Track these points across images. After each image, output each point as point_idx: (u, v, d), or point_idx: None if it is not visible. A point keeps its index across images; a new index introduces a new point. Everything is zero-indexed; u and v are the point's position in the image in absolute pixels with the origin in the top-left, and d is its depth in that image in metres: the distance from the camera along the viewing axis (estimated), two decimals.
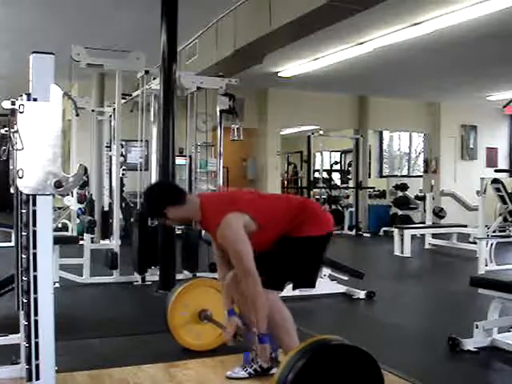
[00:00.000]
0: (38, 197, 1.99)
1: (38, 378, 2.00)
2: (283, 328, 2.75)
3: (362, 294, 5.12)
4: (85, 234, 5.99)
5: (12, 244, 4.82)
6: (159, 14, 5.26)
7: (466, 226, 8.99)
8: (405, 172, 15.37)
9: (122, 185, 8.06)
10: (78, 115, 7.24)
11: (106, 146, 8.75)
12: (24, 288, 2.04)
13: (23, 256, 2.06)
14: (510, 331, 3.66)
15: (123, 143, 8.01)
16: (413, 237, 8.48)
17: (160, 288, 5.22)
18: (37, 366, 2.00)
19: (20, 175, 1.97)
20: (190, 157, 7.64)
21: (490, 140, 13.42)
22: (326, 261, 4.90)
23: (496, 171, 10.47)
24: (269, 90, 11.46)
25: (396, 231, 8.39)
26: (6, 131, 2.60)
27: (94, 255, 5.82)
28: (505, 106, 9.09)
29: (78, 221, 9.32)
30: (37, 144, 1.98)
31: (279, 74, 9.60)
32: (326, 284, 5.17)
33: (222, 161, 6.48)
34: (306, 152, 11.87)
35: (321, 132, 12.13)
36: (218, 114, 6.20)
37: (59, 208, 9.74)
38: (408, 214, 11.69)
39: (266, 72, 9.30)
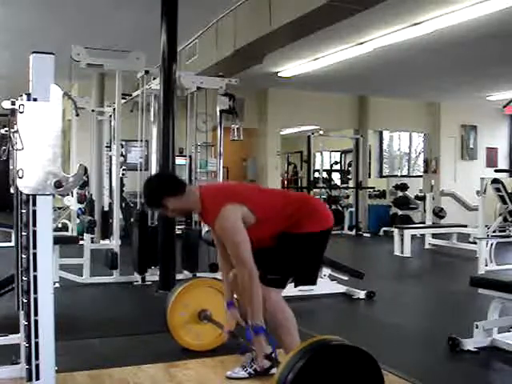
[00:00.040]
0: (38, 197, 1.99)
1: (38, 378, 2.00)
2: (285, 328, 2.75)
3: (362, 294, 5.12)
4: (85, 234, 5.99)
5: (12, 244, 4.82)
6: (159, 14, 5.26)
7: (466, 226, 8.99)
8: (405, 172, 15.36)
9: (122, 185, 8.06)
10: (78, 115, 7.24)
11: (106, 146, 8.75)
12: (24, 288, 2.04)
13: (23, 256, 2.06)
14: (510, 331, 3.66)
15: (123, 143, 8.01)
16: (413, 237, 8.48)
17: (160, 288, 5.22)
18: (37, 366, 2.00)
19: (20, 175, 1.97)
20: (190, 157, 7.63)
21: (489, 140, 13.42)
22: (326, 261, 4.91)
23: (496, 171, 10.47)
24: (269, 90, 11.46)
25: (396, 231, 8.39)
26: (6, 131, 2.59)
27: (93, 255, 5.82)
28: (505, 106, 9.09)
29: (78, 221, 9.32)
30: (37, 144, 1.98)
31: (279, 74, 9.60)
32: (326, 284, 5.17)
33: (221, 161, 6.47)
34: (306, 152, 11.87)
35: (321, 132, 12.13)
36: (218, 113, 6.20)
37: (59, 208, 9.74)
38: (408, 214, 11.69)
39: (266, 72, 9.30)
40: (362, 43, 7.49)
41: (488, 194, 8.01)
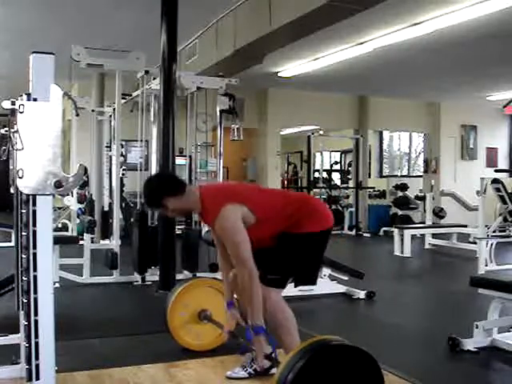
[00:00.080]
0: (38, 197, 1.99)
1: (38, 378, 2.00)
2: (285, 328, 2.75)
3: (362, 294, 5.12)
4: (85, 234, 5.99)
5: (12, 244, 4.82)
6: (159, 14, 5.26)
7: (466, 226, 8.99)
8: (405, 172, 15.37)
9: (122, 185, 8.06)
10: (78, 115, 7.24)
11: (106, 146, 8.75)
12: (24, 288, 2.04)
13: (23, 256, 2.06)
14: (510, 331, 3.66)
15: (123, 143, 8.01)
16: (413, 237, 8.48)
17: (160, 288, 5.22)
18: (37, 366, 2.00)
19: (20, 175, 1.97)
20: (190, 157, 7.63)
21: (490, 140, 13.42)
22: (326, 261, 4.91)
23: (496, 171, 10.47)
24: (269, 90, 11.46)
25: (396, 231, 8.39)
26: (6, 131, 2.59)
27: (94, 255, 5.82)
28: (505, 106, 9.09)
29: (78, 221, 9.32)
30: (37, 144, 1.98)
31: (279, 74, 9.60)
32: (326, 284, 5.17)
33: (221, 161, 6.47)
34: (306, 152, 11.87)
35: (321, 132, 12.13)
36: (218, 113, 6.20)
37: (59, 208, 9.74)
38: (408, 214, 11.69)
39: (266, 72, 9.30)
40: (362, 43, 7.49)
41: (488, 194, 8.01)
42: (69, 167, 10.44)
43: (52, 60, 2.01)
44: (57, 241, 5.24)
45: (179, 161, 7.14)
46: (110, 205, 8.12)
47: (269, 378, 2.74)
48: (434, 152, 12.96)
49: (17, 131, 1.99)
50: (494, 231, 8.38)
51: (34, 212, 1.99)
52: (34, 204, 1.99)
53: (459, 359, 3.40)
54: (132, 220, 6.21)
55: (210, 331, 3.36)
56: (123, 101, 6.89)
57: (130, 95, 7.67)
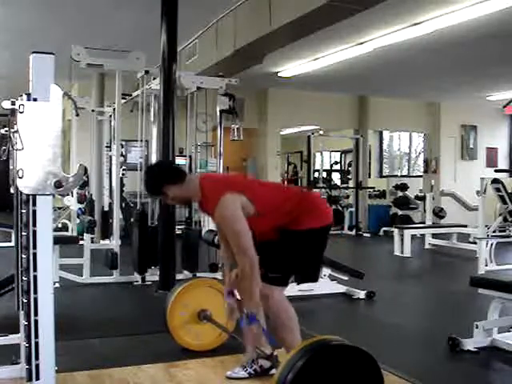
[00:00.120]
0: (38, 197, 1.99)
1: (38, 378, 2.00)
2: (288, 327, 2.76)
3: (362, 294, 5.12)
4: (85, 234, 5.99)
5: (12, 244, 4.83)
6: (159, 14, 5.26)
7: (466, 226, 8.99)
8: (405, 172, 15.37)
9: (122, 185, 8.06)
10: (78, 115, 7.23)
11: (106, 146, 8.75)
12: (24, 288, 2.04)
13: (23, 256, 2.06)
14: (510, 331, 3.66)
15: (123, 143, 8.01)
16: (413, 237, 8.48)
17: (160, 288, 5.22)
18: (37, 366, 2.00)
19: (20, 175, 1.97)
20: (190, 157, 7.63)
21: (490, 140, 13.42)
22: (326, 261, 4.91)
23: (496, 171, 10.47)
24: (269, 90, 11.46)
25: (396, 231, 8.39)
26: (6, 131, 2.60)
27: (94, 255, 5.82)
28: (505, 106, 9.08)
29: (78, 221, 9.32)
30: (37, 144, 1.98)
31: (279, 74, 9.60)
32: (326, 284, 5.17)
33: (221, 161, 6.47)
34: (306, 152, 11.87)
35: (321, 132, 12.13)
36: (218, 113, 6.19)
37: (59, 208, 9.74)
38: (408, 214, 11.69)
39: (266, 72, 9.30)
40: (362, 43, 7.49)
41: (488, 194, 8.01)
42: (69, 167, 10.44)
43: (52, 60, 2.01)
44: (57, 241, 5.25)
45: (179, 161, 7.16)
46: (110, 205, 8.12)
47: (269, 378, 2.74)
48: (433, 152, 12.96)
49: (17, 131, 1.99)
50: (494, 231, 8.38)
51: (34, 212, 1.99)
52: (34, 204, 1.99)
53: (459, 359, 3.40)
54: (132, 220, 6.20)
55: (210, 331, 3.36)
56: (123, 101, 6.89)
57: (130, 95, 7.67)
